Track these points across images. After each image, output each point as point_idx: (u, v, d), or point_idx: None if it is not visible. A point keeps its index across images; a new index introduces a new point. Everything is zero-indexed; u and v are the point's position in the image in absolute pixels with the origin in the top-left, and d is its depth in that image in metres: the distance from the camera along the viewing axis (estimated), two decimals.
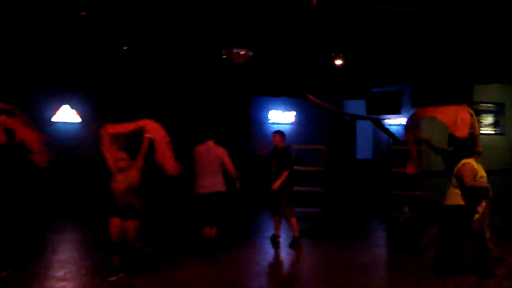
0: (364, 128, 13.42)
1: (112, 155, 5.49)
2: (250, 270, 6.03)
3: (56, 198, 10.86)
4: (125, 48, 7.44)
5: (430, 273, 5.67)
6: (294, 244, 7.03)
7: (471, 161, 5.59)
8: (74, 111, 11.55)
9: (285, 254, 6.88)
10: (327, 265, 6.22)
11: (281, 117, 13.83)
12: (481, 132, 11.08)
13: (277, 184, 6.81)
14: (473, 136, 5.76)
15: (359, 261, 6.38)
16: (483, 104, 11.27)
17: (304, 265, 6.62)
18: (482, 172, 5.60)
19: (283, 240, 7.27)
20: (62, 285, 5.26)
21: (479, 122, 11.22)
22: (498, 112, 11.49)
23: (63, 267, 5.97)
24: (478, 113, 11.28)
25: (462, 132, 5.70)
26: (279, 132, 7.19)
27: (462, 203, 5.53)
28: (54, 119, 11.43)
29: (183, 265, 6.00)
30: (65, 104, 11.49)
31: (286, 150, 7.12)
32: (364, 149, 13.83)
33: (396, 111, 10.42)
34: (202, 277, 5.56)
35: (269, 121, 13.76)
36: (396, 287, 5.42)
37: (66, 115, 11.50)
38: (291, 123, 13.90)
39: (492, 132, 11.45)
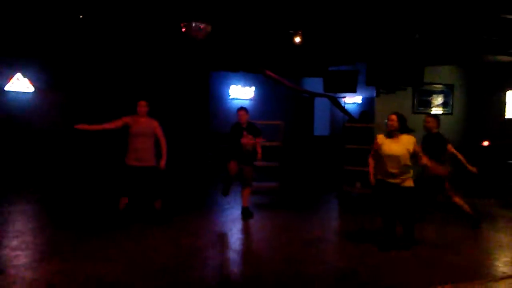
0: (322, 106, 13.72)
1: None
2: (208, 240, 6.22)
3: (9, 170, 10.63)
4: (81, 16, 7.25)
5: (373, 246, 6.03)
6: (247, 215, 7.30)
7: (379, 135, 5.89)
8: (26, 80, 11.19)
9: (242, 226, 7.10)
10: (281, 237, 6.49)
11: (240, 93, 13.91)
12: (431, 112, 11.71)
13: (260, 153, 7.22)
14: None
15: (313, 234, 6.67)
16: (434, 85, 11.78)
17: (259, 235, 6.85)
18: (388, 146, 5.71)
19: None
20: (16, 254, 5.26)
21: (430, 102, 11.84)
22: (448, 93, 12.05)
23: (16, 237, 5.95)
24: (429, 93, 11.81)
25: None
26: (245, 109, 7.40)
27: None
28: (7, 88, 11.05)
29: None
30: (17, 72, 11.11)
31: (253, 124, 7.44)
32: (321, 126, 14.18)
33: (352, 90, 10.72)
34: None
35: (230, 97, 13.82)
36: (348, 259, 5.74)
37: (19, 84, 11.13)
38: (251, 99, 14.03)
39: (441, 112, 12.01)
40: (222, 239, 6.54)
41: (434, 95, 11.92)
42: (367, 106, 11.49)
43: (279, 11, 7.11)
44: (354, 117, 11.03)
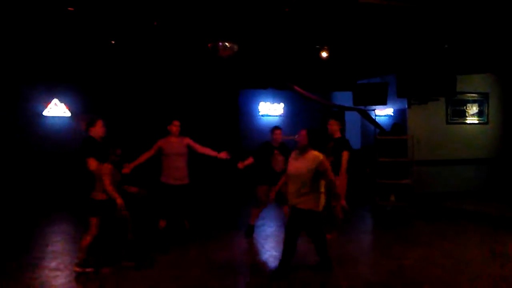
0: (352, 119, 13.59)
1: None
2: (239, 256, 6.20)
3: (47, 191, 10.96)
4: (113, 42, 7.51)
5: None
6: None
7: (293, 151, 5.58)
8: (63, 105, 11.60)
9: (275, 243, 7.05)
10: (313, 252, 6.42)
11: (270, 109, 13.96)
12: (466, 122, 11.42)
13: None
14: None
15: (346, 249, 6.56)
16: (467, 94, 11.51)
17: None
18: (292, 164, 5.41)
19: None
20: (55, 274, 5.40)
21: (465, 112, 11.55)
22: (482, 101, 11.73)
23: (55, 257, 6.11)
24: (463, 103, 11.54)
25: None
26: (280, 128, 7.25)
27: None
28: (45, 113, 11.48)
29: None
30: (55, 98, 11.53)
31: (286, 145, 7.22)
32: (352, 140, 14.00)
33: (383, 102, 10.61)
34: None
35: (259, 114, 13.89)
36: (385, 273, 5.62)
37: (56, 109, 11.55)
38: (280, 115, 14.04)
39: (477, 121, 11.69)
40: (252, 255, 6.51)
41: (468, 105, 11.64)
42: (399, 118, 11.30)
43: (305, 26, 7.14)
44: (386, 130, 10.87)
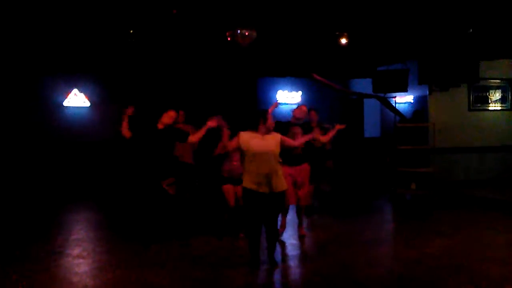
0: (371, 107, 13.42)
1: None
2: None
3: (68, 180, 11.15)
4: (131, 31, 7.51)
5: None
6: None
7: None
8: (83, 95, 11.70)
9: (294, 230, 7.04)
10: (335, 241, 6.39)
11: (288, 97, 13.87)
12: (488, 108, 11.17)
13: None
14: None
15: (367, 238, 6.52)
16: (490, 80, 11.24)
17: (312, 240, 6.77)
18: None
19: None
20: (78, 262, 5.49)
21: (488, 98, 11.30)
22: (506, 88, 11.45)
23: (78, 245, 6.21)
24: (486, 89, 11.28)
25: None
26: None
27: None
28: (65, 103, 11.61)
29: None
30: (74, 88, 11.63)
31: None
32: (372, 127, 13.86)
33: (403, 89, 10.41)
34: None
35: (277, 101, 13.82)
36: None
37: (76, 99, 11.66)
38: (298, 103, 13.94)
39: (500, 108, 11.43)
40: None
41: (491, 91, 11.38)
42: (420, 105, 11.11)
43: (324, 13, 7.04)
44: (406, 117, 10.71)
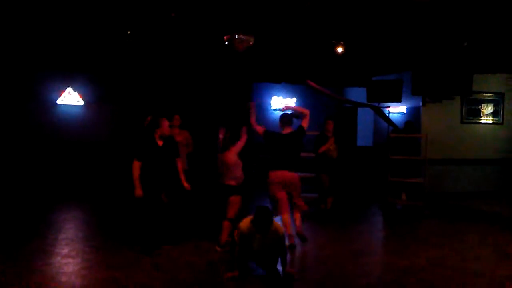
0: (365, 116, 13.49)
1: None
2: None
3: (59, 179, 11.08)
4: (128, 32, 7.51)
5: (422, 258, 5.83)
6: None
7: None
8: (77, 94, 11.67)
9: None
10: (325, 249, 6.40)
11: (282, 104, 13.90)
12: (480, 121, 11.28)
13: None
14: None
15: (357, 246, 6.54)
16: (483, 94, 11.37)
17: (303, 247, 6.77)
18: None
19: None
20: (66, 261, 5.44)
21: (480, 112, 11.41)
22: (498, 101, 11.59)
23: (67, 244, 6.17)
24: (479, 102, 11.40)
25: None
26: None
27: None
28: (59, 101, 11.56)
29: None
30: (69, 87, 11.60)
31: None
32: (364, 137, 13.92)
33: (397, 99, 10.51)
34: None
35: (271, 108, 13.84)
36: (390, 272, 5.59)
37: (70, 98, 11.62)
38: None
39: (491, 121, 11.55)
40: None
41: (483, 104, 11.52)
42: (413, 116, 11.20)
43: (321, 21, 7.09)
44: (399, 127, 10.78)
